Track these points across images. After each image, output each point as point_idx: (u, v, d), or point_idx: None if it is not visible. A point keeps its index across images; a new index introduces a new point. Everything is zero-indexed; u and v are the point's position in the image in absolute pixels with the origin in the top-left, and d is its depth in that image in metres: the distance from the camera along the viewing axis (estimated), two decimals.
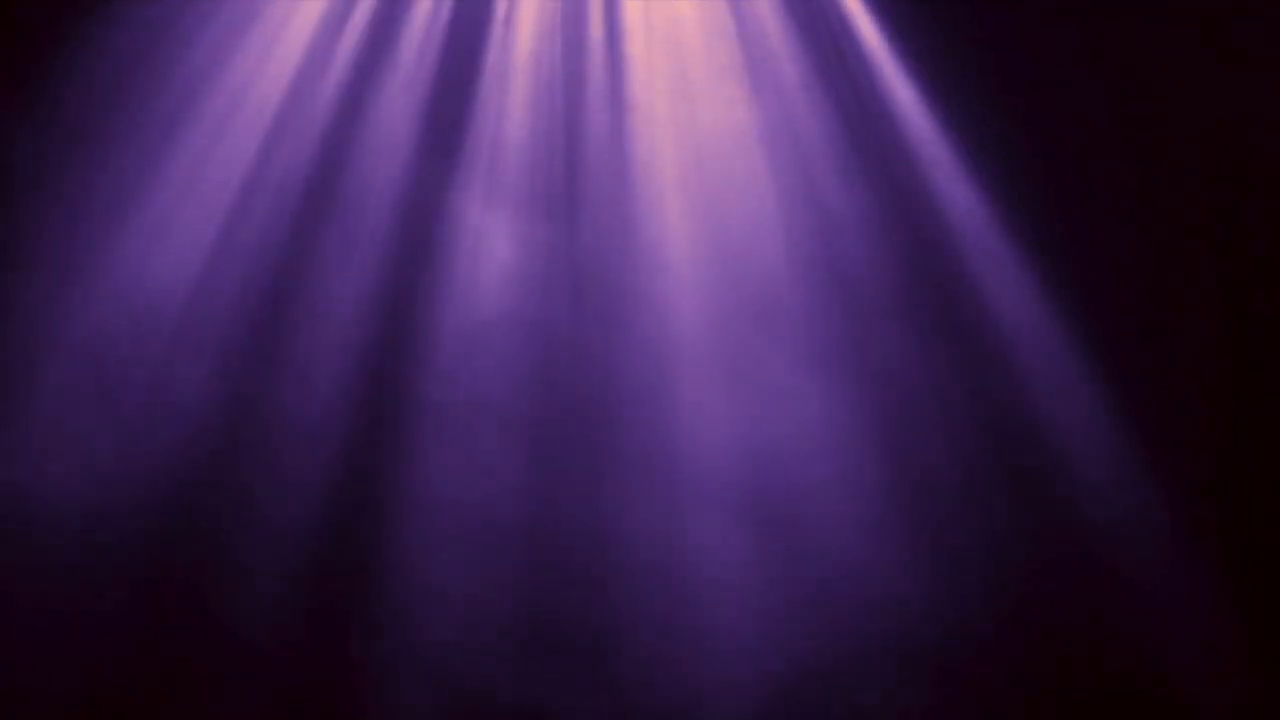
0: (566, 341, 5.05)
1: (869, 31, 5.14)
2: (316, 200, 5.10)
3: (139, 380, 4.97)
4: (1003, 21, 5.13)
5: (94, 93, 5.10)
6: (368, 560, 4.92)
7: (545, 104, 5.15)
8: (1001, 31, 5.13)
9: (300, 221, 5.09)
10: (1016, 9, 5.14)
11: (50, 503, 4.90)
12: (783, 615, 4.87)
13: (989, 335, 5.03)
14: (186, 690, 4.85)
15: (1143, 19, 5.14)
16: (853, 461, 4.96)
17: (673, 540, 4.94)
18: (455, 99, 5.16)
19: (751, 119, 5.13)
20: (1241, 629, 4.86)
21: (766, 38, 5.16)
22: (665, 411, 5.01)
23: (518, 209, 5.11)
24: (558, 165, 5.13)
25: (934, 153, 5.09)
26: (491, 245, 5.09)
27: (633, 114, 5.14)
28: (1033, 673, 4.85)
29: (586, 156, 5.12)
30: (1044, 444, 4.97)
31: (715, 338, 5.05)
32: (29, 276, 5.03)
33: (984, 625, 4.87)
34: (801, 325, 5.04)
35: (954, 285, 5.05)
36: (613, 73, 5.16)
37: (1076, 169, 5.09)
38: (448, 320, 5.03)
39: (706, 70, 5.15)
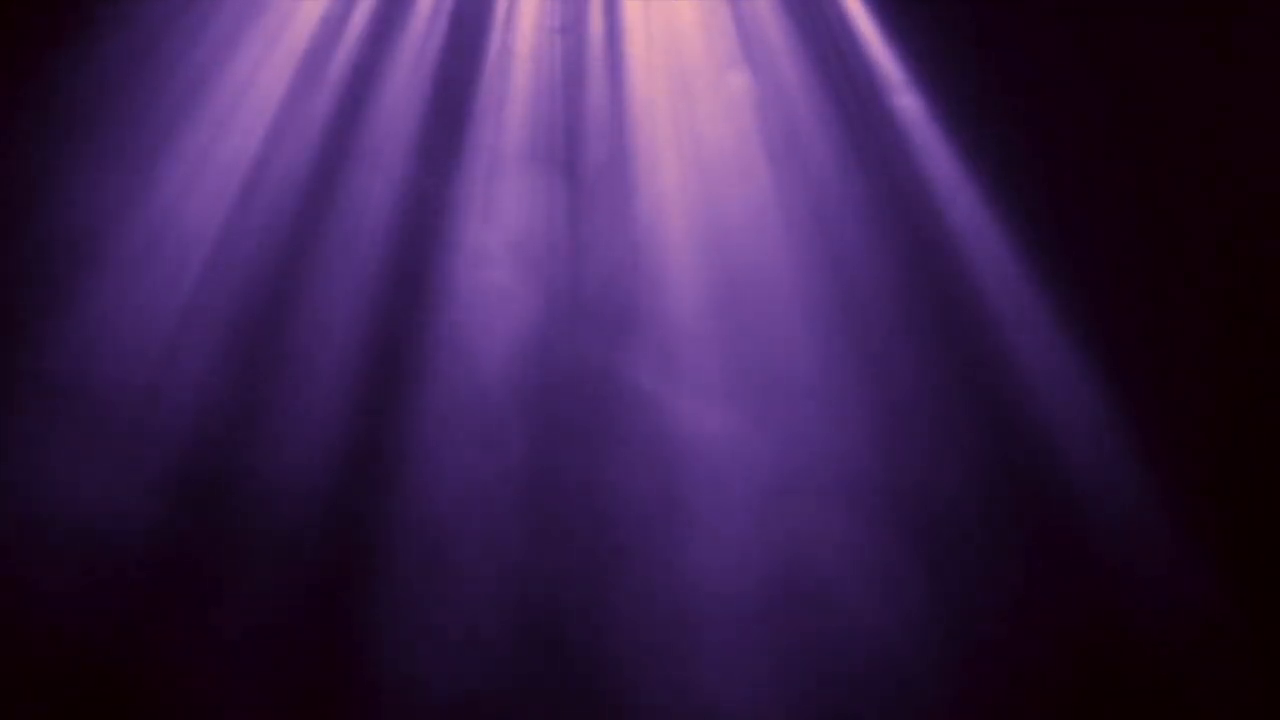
0: (567, 340, 5.05)
1: (869, 31, 5.15)
2: (316, 199, 5.11)
3: (139, 381, 4.98)
4: (1003, 21, 5.14)
5: (96, 91, 5.11)
6: (367, 560, 4.93)
7: (545, 103, 5.16)
8: (1001, 31, 5.13)
9: (300, 220, 5.10)
10: (1016, 8, 5.15)
11: (51, 503, 4.91)
12: (783, 616, 4.88)
13: (989, 333, 5.04)
14: (185, 688, 4.85)
15: (1143, 19, 5.14)
16: (851, 457, 4.96)
17: (674, 539, 4.94)
18: (455, 98, 5.17)
19: (751, 119, 5.13)
20: (1241, 629, 4.86)
21: (766, 38, 5.16)
22: (666, 410, 5.02)
23: (518, 208, 5.12)
24: (558, 165, 5.14)
25: (933, 151, 5.09)
26: (491, 244, 5.09)
27: (633, 114, 5.14)
28: (1032, 671, 4.86)
29: (586, 156, 5.13)
30: (1043, 443, 4.97)
31: (715, 336, 5.05)
32: (34, 269, 5.04)
33: (984, 625, 4.87)
34: (801, 323, 5.05)
35: (953, 283, 5.05)
36: (613, 72, 5.16)
37: (1076, 168, 5.09)
38: (448, 318, 5.04)
39: (706, 70, 5.16)
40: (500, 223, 5.11)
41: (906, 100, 5.11)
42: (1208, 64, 5.11)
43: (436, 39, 5.19)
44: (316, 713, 4.85)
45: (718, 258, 5.08)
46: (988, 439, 4.98)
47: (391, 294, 5.07)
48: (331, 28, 5.18)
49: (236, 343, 5.01)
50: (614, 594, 4.89)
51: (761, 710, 4.81)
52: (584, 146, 5.14)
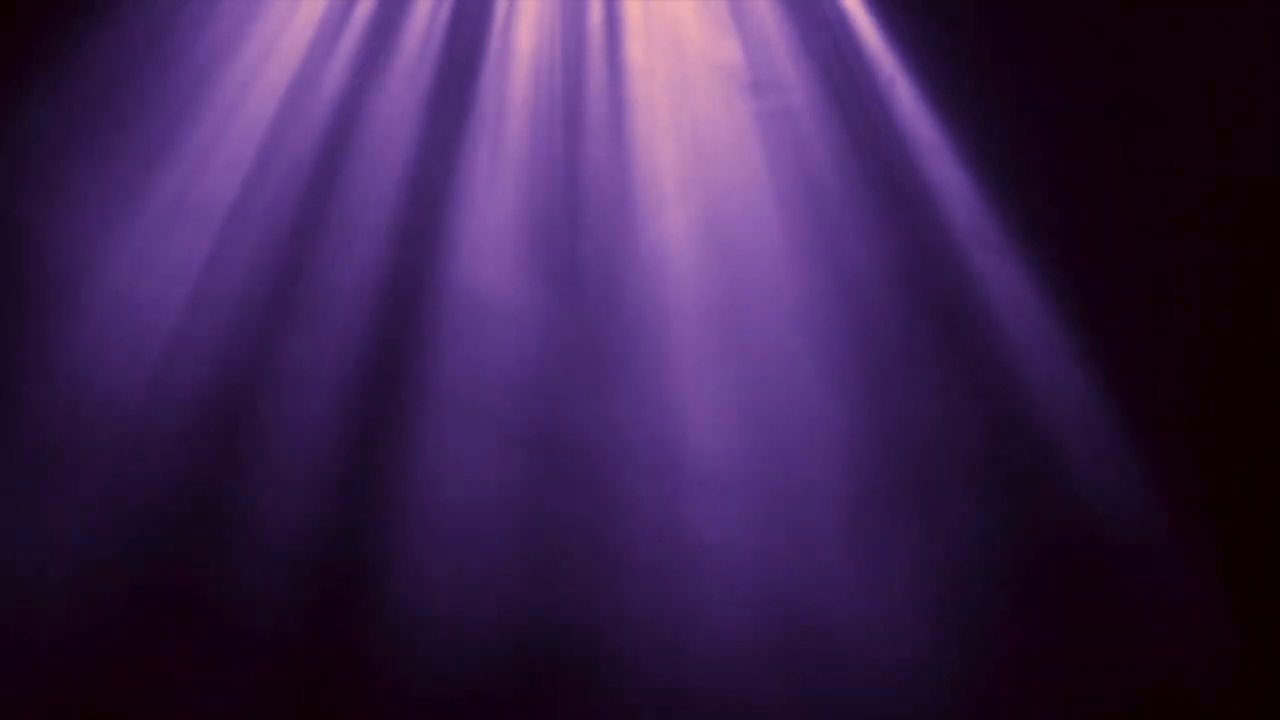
0: (567, 337, 5.06)
1: (869, 31, 5.15)
2: (317, 197, 5.12)
3: (138, 384, 5.00)
4: (1004, 19, 5.14)
5: (96, 86, 5.13)
6: (366, 553, 4.94)
7: (545, 102, 5.17)
8: (1002, 28, 5.14)
9: (302, 217, 5.11)
10: (1017, 6, 5.15)
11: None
12: (781, 620, 4.89)
13: (990, 331, 5.04)
14: (184, 686, 4.87)
15: (1145, 18, 5.15)
16: (849, 452, 4.97)
17: (678, 532, 4.95)
18: (455, 98, 5.18)
19: (751, 118, 5.14)
20: (1240, 629, 4.86)
21: (766, 37, 5.17)
22: (666, 408, 5.03)
23: (517, 208, 5.13)
24: (558, 164, 5.15)
25: (934, 150, 5.09)
26: (490, 244, 5.11)
27: (632, 113, 5.15)
28: (1028, 667, 4.86)
29: (586, 154, 5.14)
30: (1042, 440, 4.98)
31: (715, 334, 5.06)
32: (38, 260, 5.05)
33: (981, 621, 4.88)
34: (801, 324, 5.05)
35: (954, 281, 5.06)
36: (612, 72, 5.17)
37: (1078, 166, 5.10)
38: (447, 315, 5.05)
39: (706, 69, 5.17)
40: (499, 222, 5.12)
41: (907, 98, 5.11)
42: (1208, 61, 5.11)
43: (436, 39, 5.21)
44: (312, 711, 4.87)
45: (717, 256, 5.10)
46: (986, 433, 4.98)
47: (393, 289, 5.09)
48: (332, 25, 5.20)
49: (233, 342, 5.03)
50: (609, 587, 4.90)
51: (760, 701, 4.82)
52: (584, 144, 5.15)
